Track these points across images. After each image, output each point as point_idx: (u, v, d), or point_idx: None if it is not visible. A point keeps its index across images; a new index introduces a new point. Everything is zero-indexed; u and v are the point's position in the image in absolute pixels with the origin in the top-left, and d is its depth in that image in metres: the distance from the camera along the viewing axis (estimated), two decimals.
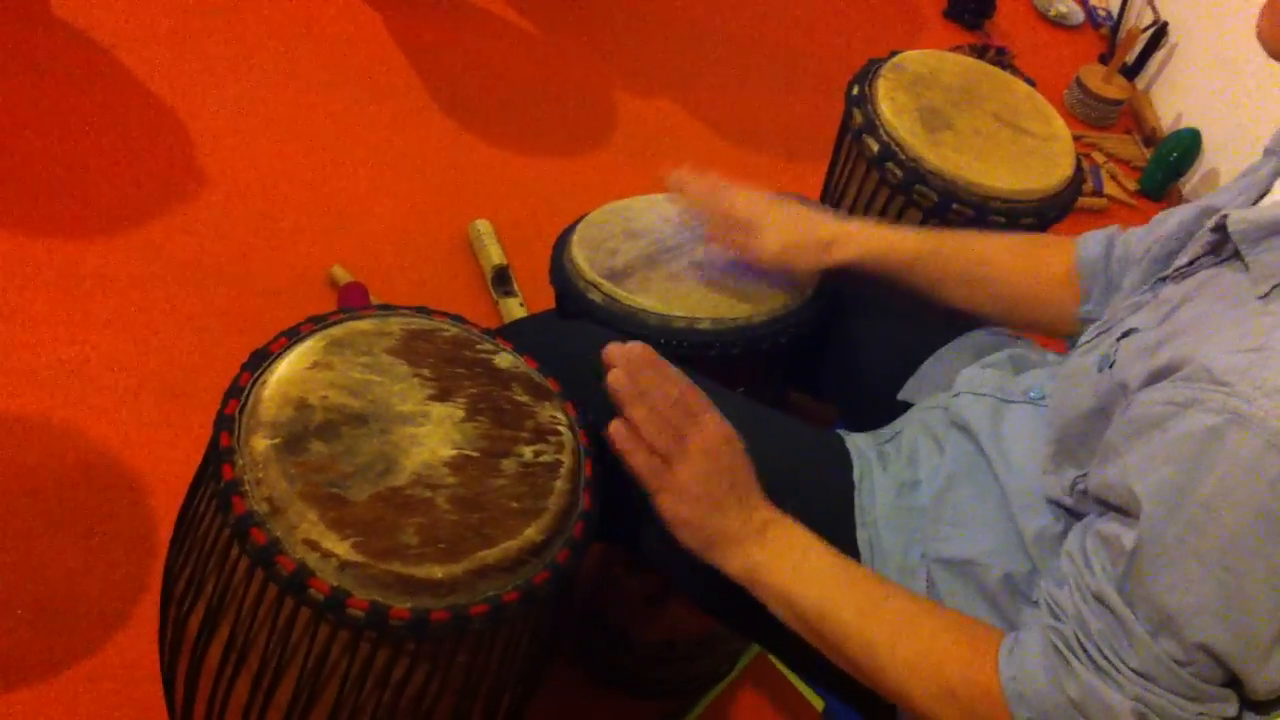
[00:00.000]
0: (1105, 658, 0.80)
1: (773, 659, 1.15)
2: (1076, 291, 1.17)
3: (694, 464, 0.96)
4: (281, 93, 2.19)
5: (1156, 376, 0.81)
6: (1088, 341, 1.01)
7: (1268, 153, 0.97)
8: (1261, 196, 0.93)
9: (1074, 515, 0.94)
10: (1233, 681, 0.78)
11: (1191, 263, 0.91)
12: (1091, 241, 1.18)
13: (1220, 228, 0.87)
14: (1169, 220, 1.06)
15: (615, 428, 0.96)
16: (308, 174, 2.07)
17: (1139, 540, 0.78)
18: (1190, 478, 0.75)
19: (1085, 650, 0.81)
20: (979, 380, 1.15)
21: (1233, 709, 0.79)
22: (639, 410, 0.96)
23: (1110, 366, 0.90)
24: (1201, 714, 0.78)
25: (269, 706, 0.95)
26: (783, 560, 0.94)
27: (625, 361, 0.97)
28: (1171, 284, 0.92)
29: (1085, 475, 0.91)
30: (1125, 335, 0.91)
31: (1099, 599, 0.80)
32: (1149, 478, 0.78)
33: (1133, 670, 0.78)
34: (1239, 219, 0.85)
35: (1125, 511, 0.81)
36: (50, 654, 1.38)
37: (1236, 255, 0.85)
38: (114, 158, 1.95)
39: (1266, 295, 0.80)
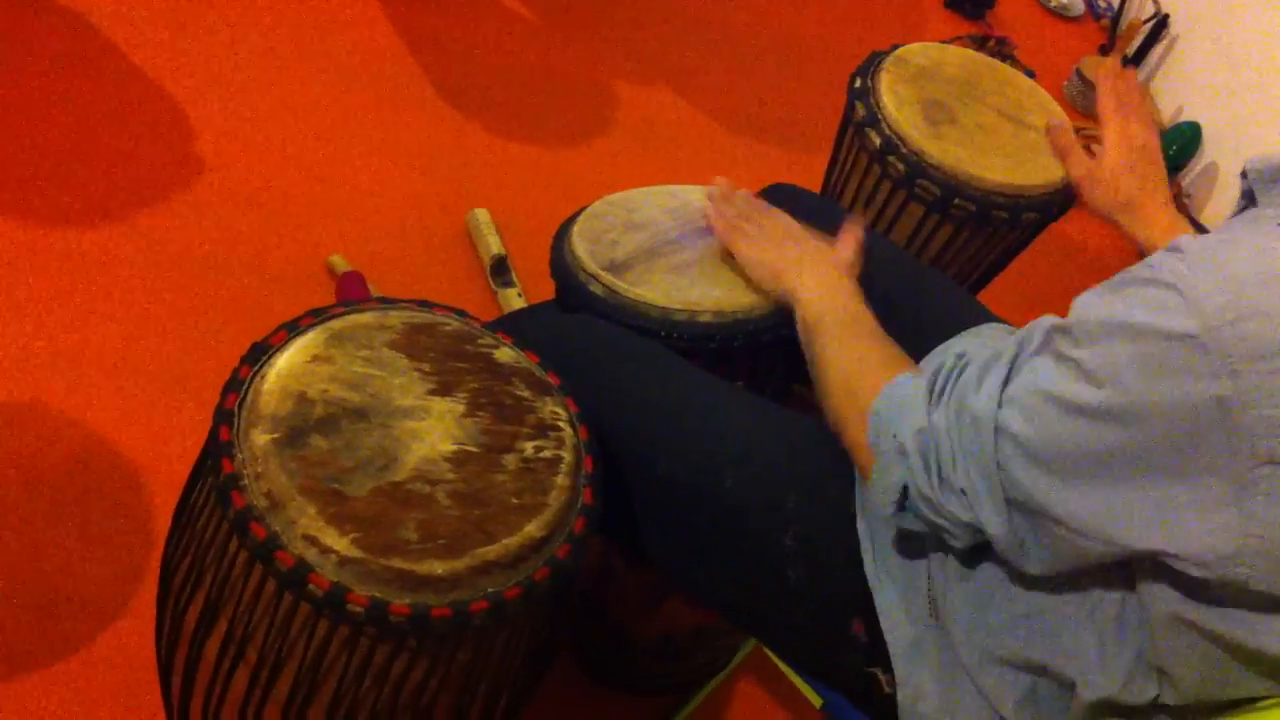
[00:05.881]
0: (948, 389, 0.89)
1: (770, 655, 1.15)
2: None
3: (764, 227, 1.28)
4: (281, 80, 2.18)
5: None
6: None
7: None
8: None
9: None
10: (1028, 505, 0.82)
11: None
12: None
13: (1245, 174, 0.87)
14: None
15: (710, 209, 1.33)
16: (307, 162, 2.06)
17: (1049, 329, 0.83)
18: (1112, 303, 0.77)
19: (939, 388, 0.90)
20: None
21: (981, 514, 0.84)
22: (725, 206, 1.31)
23: None
24: (964, 483, 0.84)
25: (267, 700, 0.95)
26: (817, 287, 1.17)
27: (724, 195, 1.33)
28: None
29: None
30: None
31: (994, 354, 0.87)
32: (1083, 303, 0.81)
33: (958, 410, 0.86)
34: (1256, 159, 0.85)
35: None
36: (47, 644, 1.37)
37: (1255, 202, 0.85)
38: (113, 145, 1.94)
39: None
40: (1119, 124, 1.39)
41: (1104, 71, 1.41)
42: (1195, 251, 0.75)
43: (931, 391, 0.91)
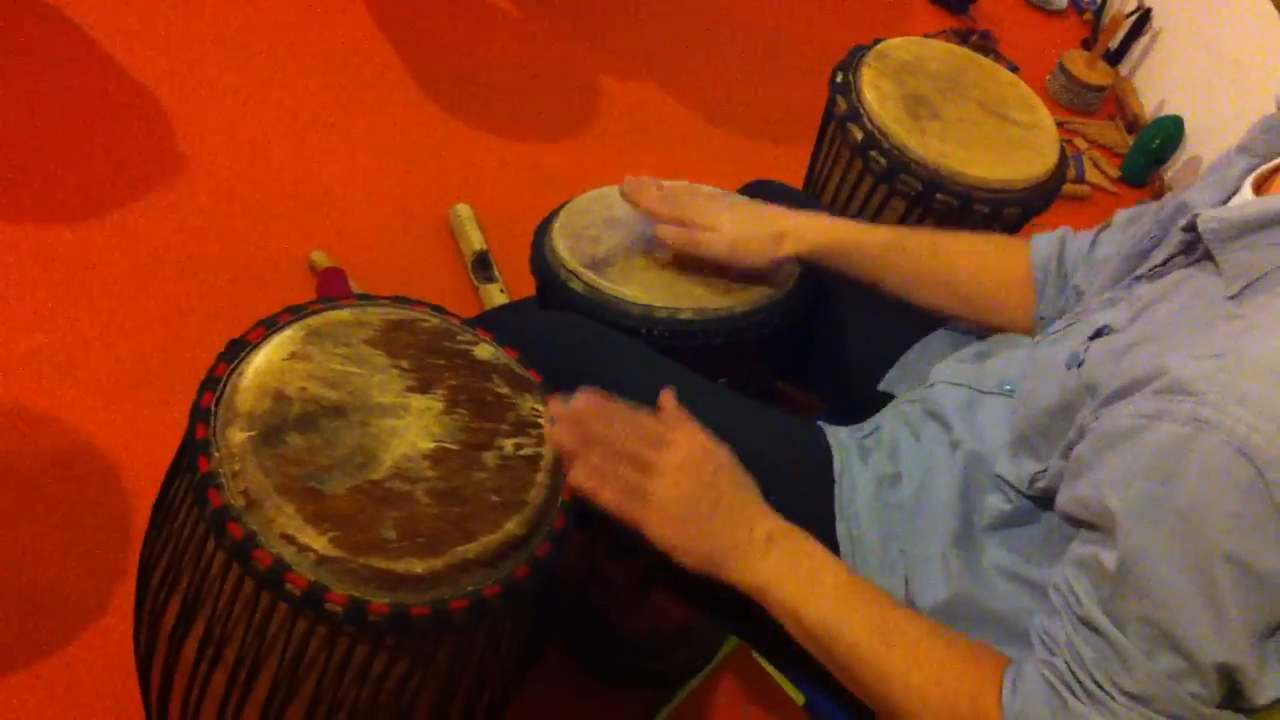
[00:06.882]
0: (1099, 686, 0.79)
1: (754, 652, 1.15)
2: (1032, 292, 1.19)
3: (669, 487, 0.96)
4: (262, 76, 2.16)
5: (1128, 389, 0.81)
6: (1057, 332, 1.01)
7: (1240, 149, 0.97)
8: (1231, 195, 0.93)
9: (1029, 501, 0.94)
10: (1230, 698, 0.77)
11: (1165, 262, 0.92)
12: (1043, 243, 1.19)
13: (1191, 228, 0.87)
14: (1142, 218, 1.06)
15: (575, 473, 0.95)
16: (288, 158, 2.04)
17: (1120, 559, 0.77)
18: (1165, 489, 0.75)
19: (1079, 681, 0.80)
20: (954, 371, 1.15)
21: None
22: (595, 452, 0.95)
23: (1079, 365, 0.90)
24: None
25: (246, 701, 0.94)
26: (791, 576, 0.93)
27: (568, 416, 0.97)
28: (1146, 283, 0.92)
29: (1044, 472, 0.92)
30: (1097, 335, 0.91)
31: (1088, 625, 0.80)
32: (1123, 492, 0.78)
33: (1128, 695, 0.78)
34: (1209, 219, 0.85)
35: (1099, 528, 0.80)
36: (24, 644, 1.36)
37: (1208, 256, 0.85)
38: (91, 142, 1.92)
39: (1237, 295, 0.80)
40: (683, 201, 1.25)
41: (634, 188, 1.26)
42: (1208, 386, 0.74)
43: (1075, 692, 0.80)
